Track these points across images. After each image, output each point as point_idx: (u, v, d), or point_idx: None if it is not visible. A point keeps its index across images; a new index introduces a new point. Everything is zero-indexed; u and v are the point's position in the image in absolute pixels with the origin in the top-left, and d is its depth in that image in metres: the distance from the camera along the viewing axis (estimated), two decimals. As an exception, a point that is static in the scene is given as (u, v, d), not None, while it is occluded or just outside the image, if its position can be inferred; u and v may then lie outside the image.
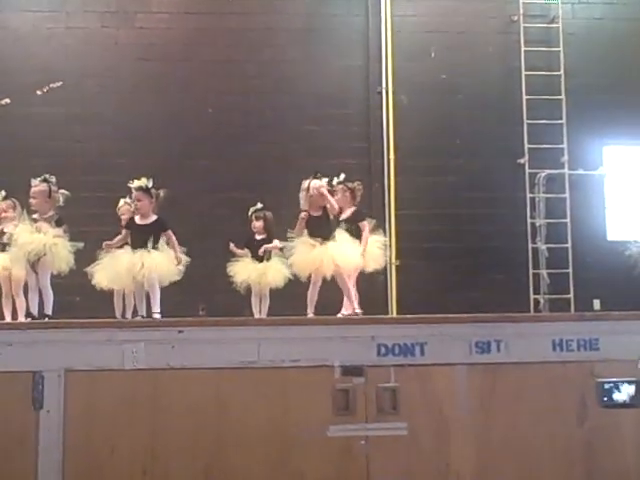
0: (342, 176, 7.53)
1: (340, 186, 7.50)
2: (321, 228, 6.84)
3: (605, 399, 2.64)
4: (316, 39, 10.83)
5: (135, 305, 7.22)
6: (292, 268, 7.01)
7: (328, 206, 6.88)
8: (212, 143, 10.42)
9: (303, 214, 6.85)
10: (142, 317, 6.75)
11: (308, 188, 6.92)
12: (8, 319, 7.54)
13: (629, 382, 2.60)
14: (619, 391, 2.61)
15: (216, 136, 10.42)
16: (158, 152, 10.22)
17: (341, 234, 6.91)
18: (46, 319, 6.60)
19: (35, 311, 6.77)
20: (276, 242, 7.80)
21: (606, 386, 2.61)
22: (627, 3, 11.18)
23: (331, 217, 6.98)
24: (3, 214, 7.46)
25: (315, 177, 7.01)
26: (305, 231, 6.84)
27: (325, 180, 7.04)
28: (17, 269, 7.05)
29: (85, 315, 8.36)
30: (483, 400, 5.05)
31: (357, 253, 6.97)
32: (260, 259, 7.96)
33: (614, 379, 2.62)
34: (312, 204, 6.91)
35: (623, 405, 2.60)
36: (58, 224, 6.72)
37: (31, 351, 4.79)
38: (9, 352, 4.74)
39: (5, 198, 7.59)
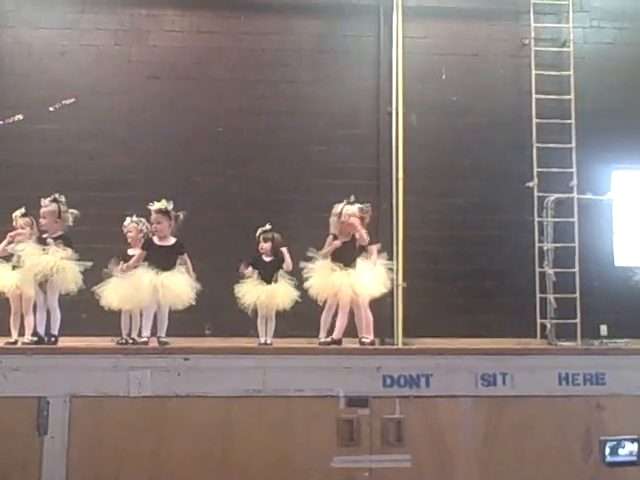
0: (351, 199, 7.56)
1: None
2: (346, 254, 6.86)
3: (608, 458, 2.62)
4: (327, 59, 10.85)
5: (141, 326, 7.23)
6: (310, 291, 6.99)
7: (357, 236, 6.90)
8: (222, 162, 10.44)
9: (337, 242, 6.86)
10: (148, 338, 6.76)
11: (340, 214, 6.95)
12: (15, 336, 7.56)
13: (632, 440, 2.58)
14: (623, 448, 2.59)
15: (226, 155, 10.44)
16: (168, 170, 10.26)
17: (362, 263, 6.91)
18: (52, 339, 6.63)
19: (42, 330, 6.79)
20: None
21: (609, 444, 2.59)
22: (639, 28, 11.16)
23: (357, 245, 6.99)
24: (20, 230, 7.47)
25: (349, 203, 7.03)
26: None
27: (358, 206, 7.04)
28: (27, 288, 7.08)
29: (91, 333, 8.46)
30: (488, 433, 5.05)
31: (375, 282, 6.94)
32: (268, 281, 7.94)
33: (617, 437, 2.60)
34: (342, 230, 6.94)
35: (626, 463, 2.59)
36: (67, 244, 6.75)
37: (37, 376, 4.82)
38: (15, 377, 4.78)
39: (24, 215, 7.60)
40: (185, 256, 6.90)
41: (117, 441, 4.77)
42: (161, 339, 6.68)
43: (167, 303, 6.70)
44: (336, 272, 6.74)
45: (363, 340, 6.85)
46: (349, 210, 6.95)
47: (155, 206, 6.95)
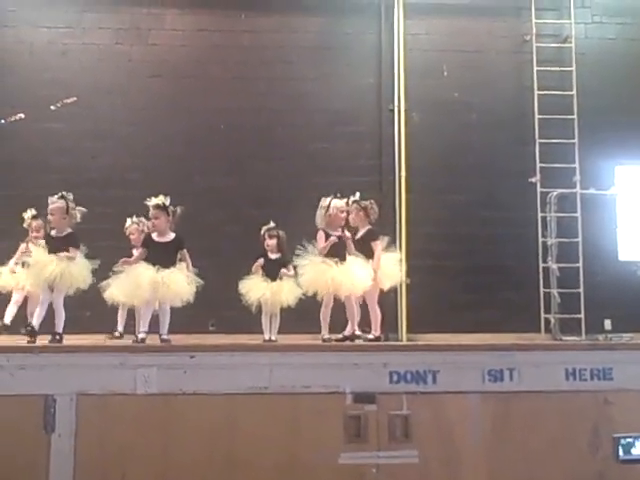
0: (357, 195, 7.61)
1: (354, 205, 7.57)
2: (337, 249, 6.90)
3: (621, 455, 2.61)
4: (328, 57, 10.84)
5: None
6: (303, 288, 7.01)
7: (348, 244, 6.96)
8: (224, 160, 10.44)
9: (333, 238, 6.89)
10: (145, 334, 6.71)
11: (328, 207, 7.01)
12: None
13: (647, 437, 2.57)
14: (635, 447, 2.57)
15: (227, 153, 10.43)
16: (170, 168, 10.25)
17: (350, 256, 6.98)
18: (57, 337, 6.61)
19: (37, 325, 6.70)
20: (290, 269, 7.76)
21: (622, 442, 2.57)
22: (640, 23, 11.17)
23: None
24: (35, 234, 7.54)
25: (336, 197, 7.08)
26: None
27: (345, 200, 7.14)
28: (37, 290, 7.09)
29: (95, 330, 8.45)
30: (495, 429, 5.04)
31: (368, 274, 7.00)
32: (273, 277, 7.92)
33: (632, 434, 2.59)
34: (329, 223, 7.00)
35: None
36: (74, 243, 6.75)
37: (44, 374, 4.82)
38: (22, 375, 4.78)
39: (35, 217, 7.64)
40: (184, 251, 6.88)
41: (124, 438, 4.77)
42: (163, 337, 6.63)
43: (167, 301, 6.68)
44: (331, 267, 6.75)
45: (357, 333, 6.88)
46: (337, 204, 7.01)
47: (152, 202, 6.95)
